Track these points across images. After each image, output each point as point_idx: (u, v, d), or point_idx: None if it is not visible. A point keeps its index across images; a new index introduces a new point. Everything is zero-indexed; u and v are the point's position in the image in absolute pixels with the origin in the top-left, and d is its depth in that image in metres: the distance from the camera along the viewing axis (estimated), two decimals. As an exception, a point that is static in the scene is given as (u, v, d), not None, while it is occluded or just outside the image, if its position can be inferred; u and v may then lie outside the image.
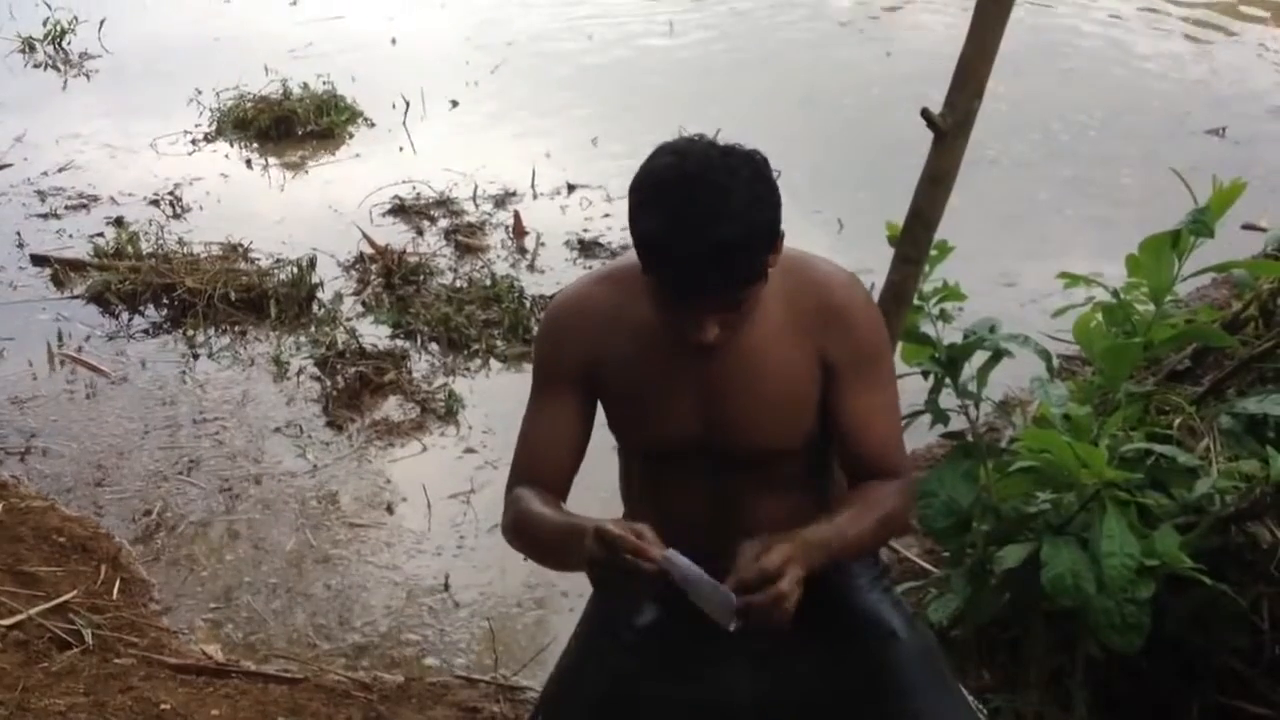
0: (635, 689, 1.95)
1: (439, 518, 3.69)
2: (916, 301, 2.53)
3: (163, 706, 2.86)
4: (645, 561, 1.60)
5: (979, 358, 2.52)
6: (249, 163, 6.15)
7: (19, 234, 5.33)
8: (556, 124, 6.43)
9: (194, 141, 6.31)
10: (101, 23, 7.66)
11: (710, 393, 1.88)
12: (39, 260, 5.14)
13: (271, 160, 6.17)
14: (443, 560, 3.53)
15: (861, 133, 6.09)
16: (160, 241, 5.11)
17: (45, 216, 5.53)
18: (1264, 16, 7.68)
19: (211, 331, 4.66)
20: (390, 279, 4.87)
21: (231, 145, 6.29)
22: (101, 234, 5.30)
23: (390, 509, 3.74)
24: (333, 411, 4.18)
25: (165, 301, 4.81)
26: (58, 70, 7.44)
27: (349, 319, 4.67)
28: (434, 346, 4.52)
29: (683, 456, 1.93)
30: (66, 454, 4.01)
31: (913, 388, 2.52)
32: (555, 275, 4.89)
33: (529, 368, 2.02)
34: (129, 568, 3.48)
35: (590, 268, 4.88)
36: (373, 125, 6.48)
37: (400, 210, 5.49)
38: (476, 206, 5.52)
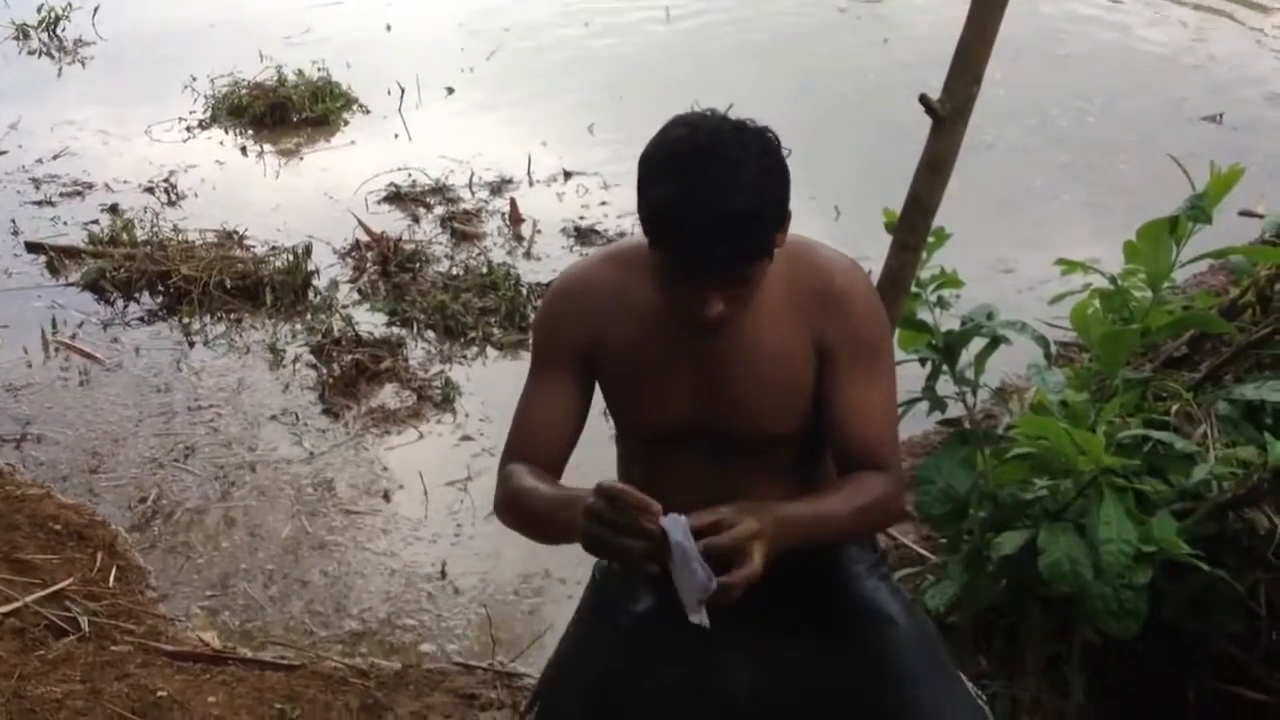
0: (633, 676, 1.95)
1: (436, 505, 3.68)
2: (914, 288, 2.52)
3: (159, 694, 2.86)
4: (646, 520, 1.59)
5: (976, 344, 2.51)
6: (244, 150, 6.14)
7: (13, 221, 5.32)
8: (552, 111, 6.41)
9: (189, 128, 6.29)
10: (96, 9, 7.64)
11: (707, 375, 1.88)
12: (34, 247, 5.12)
13: (267, 147, 6.16)
14: (440, 547, 3.53)
15: (859, 119, 6.09)
16: (155, 229, 5.10)
17: (40, 204, 5.51)
18: (1261, 3, 7.67)
19: (207, 319, 4.65)
20: (386, 266, 4.86)
21: (226, 132, 6.27)
22: (96, 221, 5.28)
23: (387, 496, 3.74)
24: (329, 399, 4.17)
25: (160, 289, 4.80)
26: (52, 57, 7.42)
27: (345, 306, 4.66)
28: (430, 334, 4.51)
29: (679, 441, 1.92)
30: (62, 441, 4.00)
31: (910, 374, 2.52)
32: (551, 262, 4.88)
33: (526, 355, 2.02)
34: (125, 555, 3.48)
35: (586, 255, 4.87)
36: (368, 112, 6.46)
37: (396, 197, 5.48)
38: (472, 194, 5.51)
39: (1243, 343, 2.82)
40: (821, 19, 7.61)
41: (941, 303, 2.54)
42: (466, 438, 3.97)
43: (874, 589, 2.02)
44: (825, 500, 1.87)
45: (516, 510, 1.90)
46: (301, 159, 6.06)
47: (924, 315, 2.54)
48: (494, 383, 4.17)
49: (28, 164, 5.87)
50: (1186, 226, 2.41)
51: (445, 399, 4.14)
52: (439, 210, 5.37)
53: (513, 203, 5.34)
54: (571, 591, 3.22)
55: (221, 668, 3.04)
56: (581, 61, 7.09)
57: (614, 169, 5.56)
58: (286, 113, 6.30)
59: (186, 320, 4.62)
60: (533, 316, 4.21)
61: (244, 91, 6.38)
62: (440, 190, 5.52)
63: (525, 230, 5.19)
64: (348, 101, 6.45)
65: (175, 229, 5.12)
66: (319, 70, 6.50)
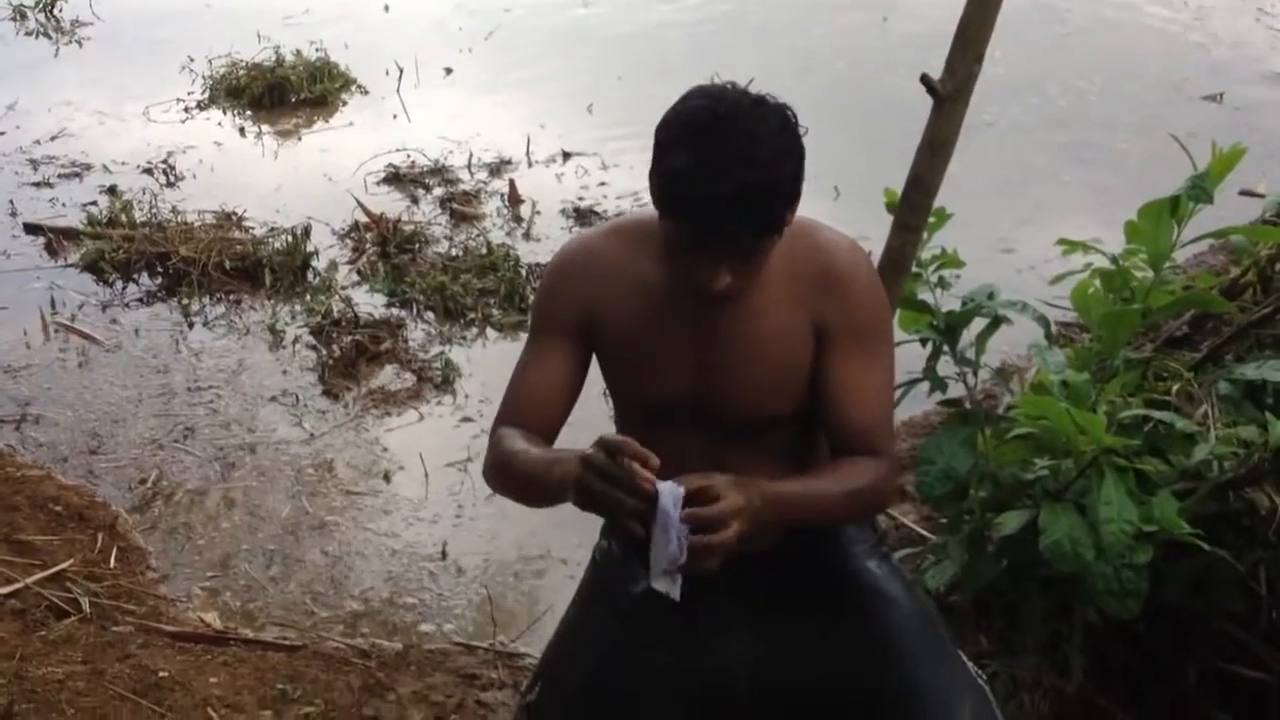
0: (633, 656, 1.95)
1: (436, 486, 3.69)
2: (915, 269, 2.52)
3: (161, 674, 2.87)
4: (641, 477, 1.58)
5: (977, 324, 2.51)
6: (242, 131, 6.12)
7: (12, 202, 5.31)
8: (551, 91, 6.39)
9: (187, 109, 6.27)
10: (93, -11, 7.61)
11: (706, 350, 1.88)
12: (32, 229, 5.12)
13: (265, 128, 6.14)
14: (440, 528, 3.53)
15: (859, 99, 6.06)
16: (154, 210, 5.09)
17: (38, 185, 5.50)
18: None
19: (206, 300, 4.65)
20: (385, 247, 4.85)
21: (225, 113, 6.25)
22: (95, 202, 5.27)
23: (387, 477, 3.74)
24: (328, 380, 4.17)
25: (159, 270, 4.80)
26: (49, 38, 7.38)
27: (344, 288, 4.65)
28: (430, 315, 4.51)
29: (677, 417, 1.92)
30: (61, 422, 4.00)
31: (911, 355, 2.52)
32: (551, 243, 4.87)
33: (525, 336, 2.01)
34: (126, 536, 3.48)
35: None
36: (366, 93, 6.44)
37: (395, 178, 5.47)
38: (471, 174, 5.50)
39: (1243, 322, 2.82)
40: (821, -1, 7.58)
41: (942, 283, 2.53)
42: (466, 419, 3.97)
43: (874, 569, 2.02)
44: (815, 480, 1.87)
45: (506, 472, 1.88)
46: (300, 140, 6.04)
47: (925, 295, 2.53)
48: (494, 364, 4.17)
49: (25, 145, 5.86)
50: (1187, 206, 2.41)
51: (445, 380, 4.14)
52: (438, 191, 5.36)
53: (512, 184, 5.33)
54: (573, 573, 3.22)
55: (223, 648, 3.05)
56: (580, 42, 7.06)
57: (613, 149, 5.55)
58: (285, 94, 6.28)
59: (185, 301, 4.62)
60: (532, 298, 4.21)
61: (242, 72, 6.36)
62: (439, 171, 5.50)
63: (524, 211, 5.18)
64: (346, 82, 6.43)
65: (174, 210, 5.11)
66: (317, 51, 6.48)
